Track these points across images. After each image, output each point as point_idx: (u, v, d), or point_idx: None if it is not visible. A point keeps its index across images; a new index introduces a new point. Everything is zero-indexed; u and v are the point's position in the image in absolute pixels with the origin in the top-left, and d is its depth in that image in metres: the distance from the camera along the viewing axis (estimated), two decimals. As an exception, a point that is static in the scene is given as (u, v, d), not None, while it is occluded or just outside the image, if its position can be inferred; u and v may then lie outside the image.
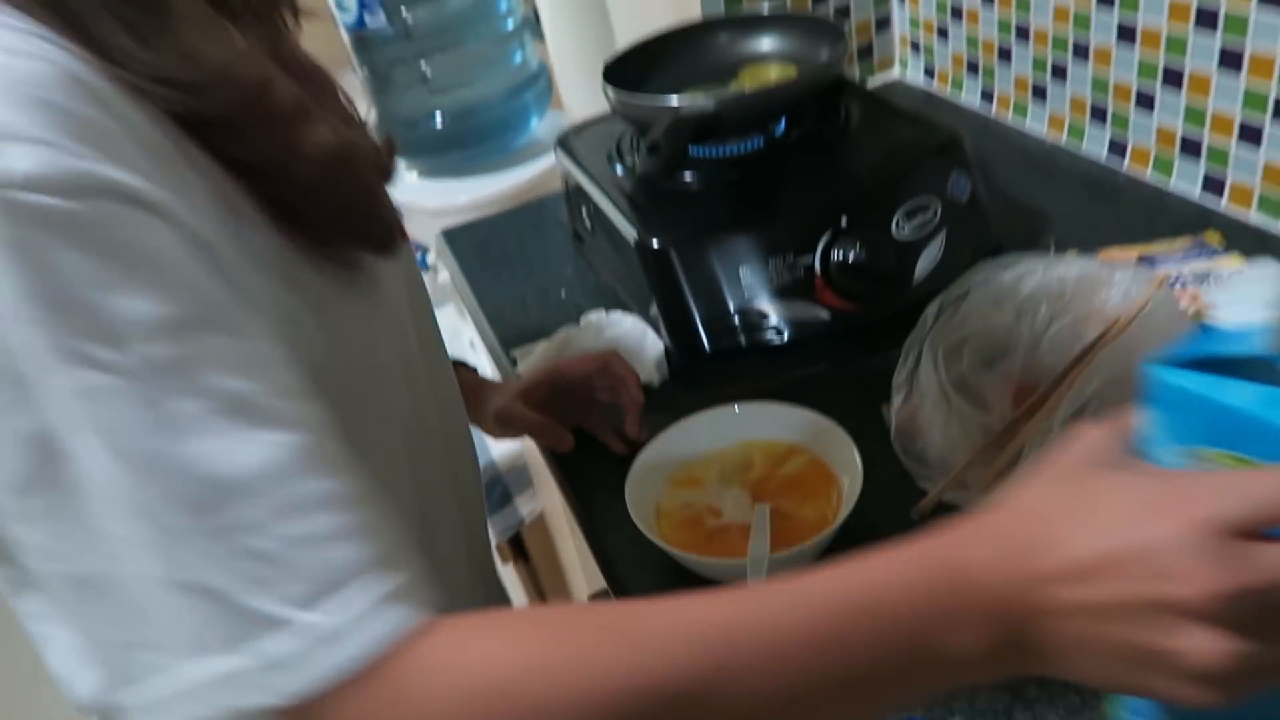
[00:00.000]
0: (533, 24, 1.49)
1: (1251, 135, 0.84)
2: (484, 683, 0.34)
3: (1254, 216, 0.86)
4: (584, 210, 0.99)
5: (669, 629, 0.36)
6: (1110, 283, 0.66)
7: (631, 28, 1.38)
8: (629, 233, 0.85)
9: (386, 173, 0.50)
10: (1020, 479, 0.38)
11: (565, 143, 1.04)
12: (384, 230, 0.48)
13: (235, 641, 0.33)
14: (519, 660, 0.34)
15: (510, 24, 1.48)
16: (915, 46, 1.26)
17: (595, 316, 0.88)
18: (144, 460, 0.33)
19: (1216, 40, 0.84)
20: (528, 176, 1.47)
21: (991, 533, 0.36)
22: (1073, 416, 0.60)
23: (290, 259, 0.42)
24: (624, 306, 0.91)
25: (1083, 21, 0.97)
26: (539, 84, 1.54)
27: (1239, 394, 0.35)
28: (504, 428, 0.77)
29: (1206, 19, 0.84)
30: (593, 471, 0.74)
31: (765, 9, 1.19)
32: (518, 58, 1.51)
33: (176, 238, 0.35)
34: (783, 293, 0.81)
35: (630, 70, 0.96)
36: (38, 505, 0.33)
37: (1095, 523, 0.34)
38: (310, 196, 0.43)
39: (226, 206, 0.39)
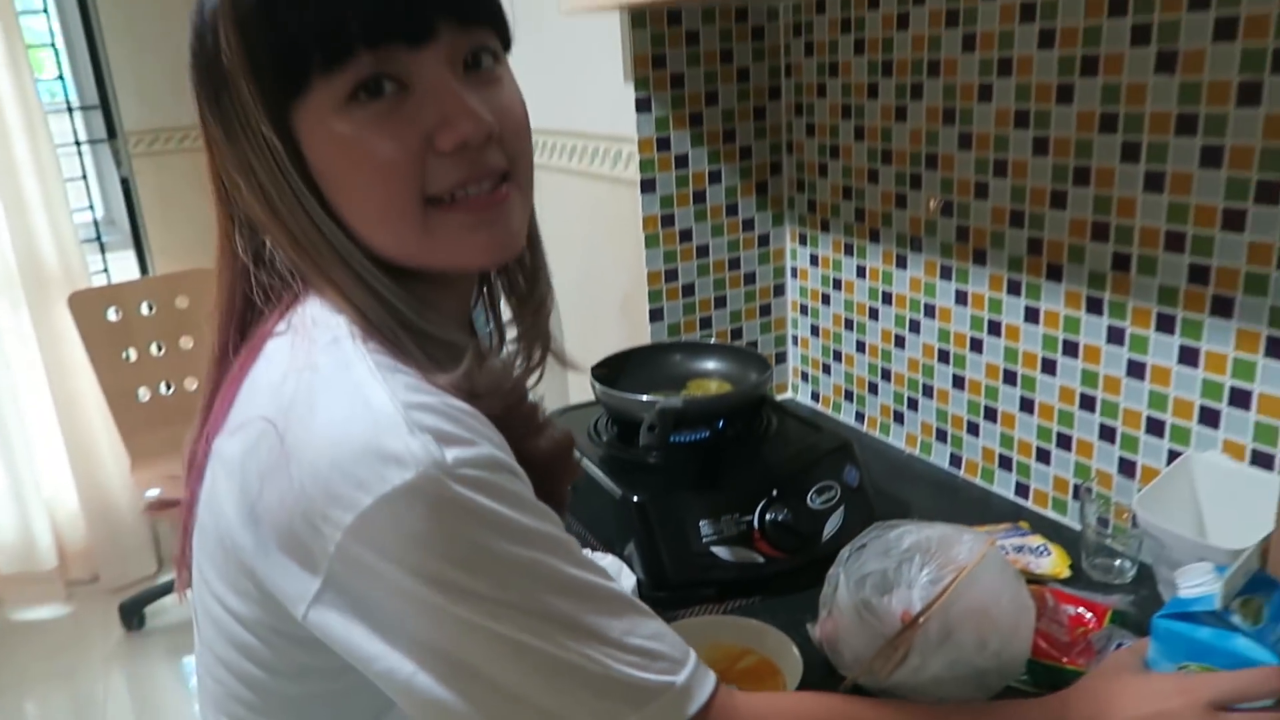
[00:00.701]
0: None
1: (1044, 456, 1.22)
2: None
3: (1049, 512, 1.22)
4: (564, 474, 1.26)
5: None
6: (960, 541, 0.96)
7: (587, 345, 1.74)
8: (613, 490, 1.13)
9: (573, 467, 0.79)
10: (1087, 675, 0.75)
11: (549, 421, 1.33)
12: (571, 479, 0.78)
13: (642, 704, 0.58)
14: (789, 710, 0.66)
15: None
16: (805, 376, 1.65)
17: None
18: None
19: (1016, 391, 1.24)
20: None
21: (1073, 702, 0.71)
22: (939, 629, 0.88)
23: None
24: (594, 549, 1.16)
25: (928, 370, 1.38)
26: (503, 375, 1.86)
27: (1204, 633, 0.69)
28: None
29: (1009, 377, 1.24)
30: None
31: (704, 338, 1.57)
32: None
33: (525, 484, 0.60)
34: (729, 541, 1.09)
35: (609, 373, 1.29)
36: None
37: (1132, 700, 0.68)
38: (548, 458, 0.72)
39: None
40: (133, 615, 2.65)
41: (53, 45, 2.79)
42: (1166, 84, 0.99)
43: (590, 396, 1.36)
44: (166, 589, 2.74)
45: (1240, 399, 0.99)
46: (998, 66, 1.17)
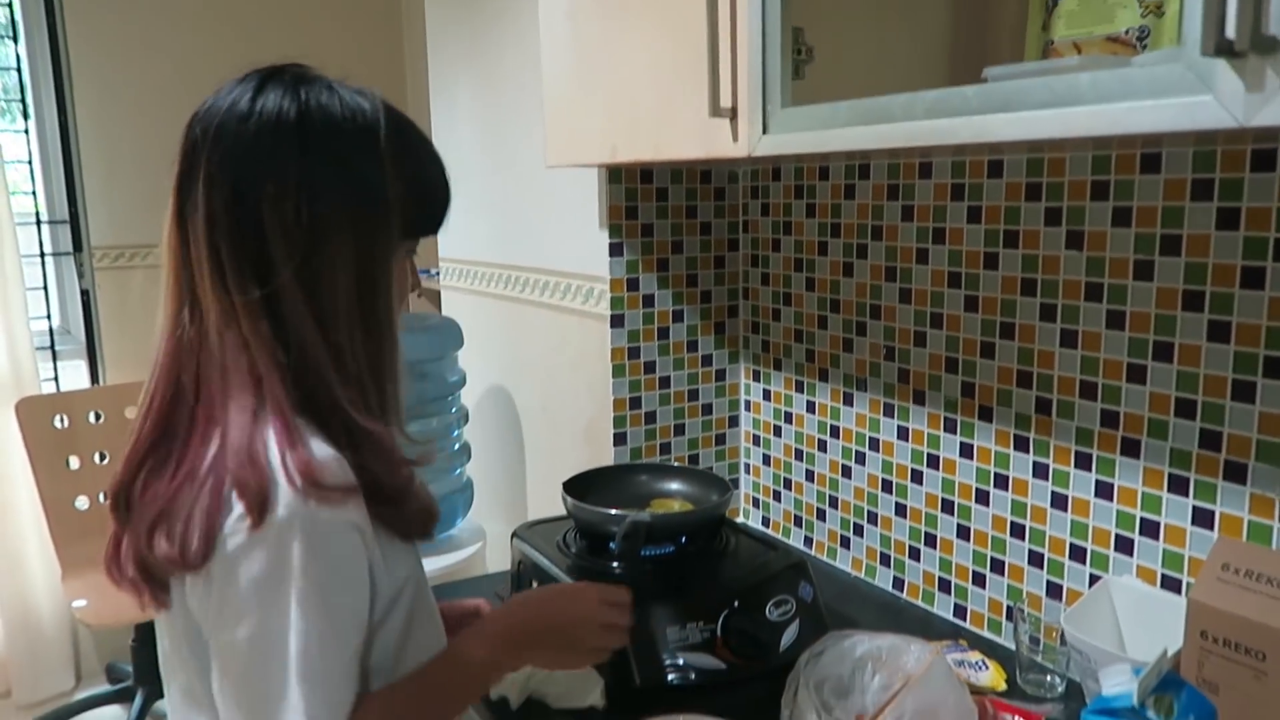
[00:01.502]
0: (468, 449, 1.91)
1: (979, 580, 1.33)
2: None
3: (985, 632, 1.32)
4: (534, 583, 1.33)
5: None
6: (909, 651, 1.06)
7: (550, 465, 1.83)
8: (585, 598, 1.20)
9: (434, 519, 0.92)
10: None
11: (520, 535, 1.40)
12: (428, 531, 0.91)
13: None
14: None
15: (456, 446, 1.90)
16: (755, 502, 1.76)
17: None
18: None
19: (954, 519, 1.36)
20: (446, 564, 1.79)
21: (493, 616, 0.99)
22: (893, 730, 0.96)
23: (393, 541, 0.86)
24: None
25: (873, 499, 1.50)
26: (466, 494, 1.92)
27: None
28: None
29: (947, 506, 1.37)
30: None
31: (672, 461, 1.68)
32: (457, 470, 1.91)
33: (361, 543, 0.77)
34: (693, 649, 1.16)
35: (579, 489, 1.37)
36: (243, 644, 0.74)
37: (536, 594, 1.03)
38: (407, 528, 0.87)
39: (373, 525, 0.81)
40: (46, 735, 2.53)
41: (28, 160, 2.88)
42: (1076, 258, 1.17)
43: (551, 513, 1.45)
44: (85, 705, 2.62)
45: (1149, 529, 1.12)
46: (933, 235, 1.35)
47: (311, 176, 0.78)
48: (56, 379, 2.89)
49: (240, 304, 0.78)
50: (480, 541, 2.08)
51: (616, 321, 1.64)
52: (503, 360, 2.12)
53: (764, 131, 1.06)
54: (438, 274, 2.39)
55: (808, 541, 1.64)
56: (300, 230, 0.78)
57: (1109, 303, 1.14)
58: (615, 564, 1.27)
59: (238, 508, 0.74)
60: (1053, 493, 1.22)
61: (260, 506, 0.73)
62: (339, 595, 0.77)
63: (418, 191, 0.85)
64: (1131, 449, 1.13)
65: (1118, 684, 0.82)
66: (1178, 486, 1.09)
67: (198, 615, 0.79)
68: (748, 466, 1.77)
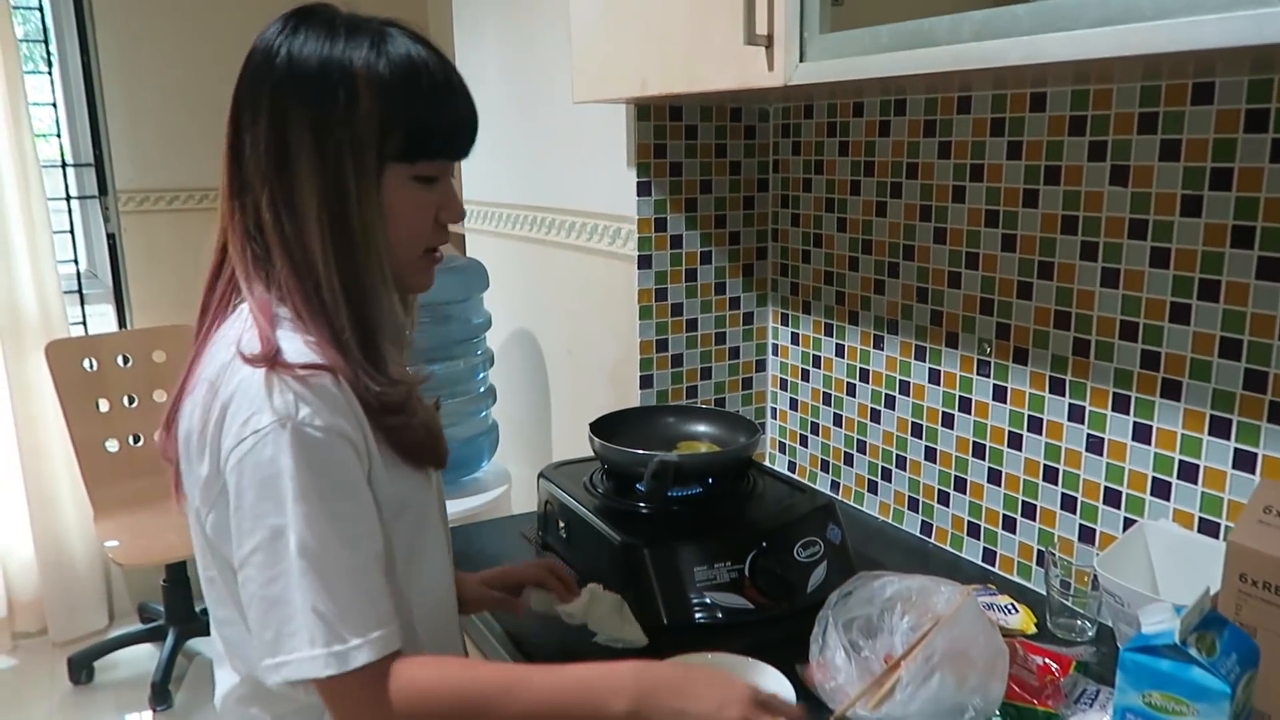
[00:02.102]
0: (493, 391, 1.90)
1: (1010, 525, 1.32)
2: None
3: (1015, 577, 1.31)
4: (560, 523, 1.33)
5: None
6: (939, 592, 1.05)
7: (575, 407, 1.82)
8: (612, 537, 1.19)
9: (440, 435, 0.94)
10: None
11: (547, 475, 1.40)
12: (440, 459, 0.93)
13: (329, 641, 0.74)
14: (447, 678, 0.80)
15: (481, 388, 1.90)
16: (782, 447, 1.74)
17: (593, 585, 1.17)
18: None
19: (985, 463, 1.34)
20: (472, 506, 1.80)
21: (642, 671, 0.83)
22: (920, 669, 0.95)
23: (399, 465, 0.87)
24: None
25: (902, 443, 1.48)
26: (492, 436, 1.92)
27: (1165, 664, 0.77)
28: (472, 603, 1.12)
29: (978, 450, 1.35)
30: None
31: (699, 404, 1.66)
32: (482, 413, 1.91)
33: (354, 456, 0.79)
34: (720, 588, 1.15)
35: (604, 429, 1.37)
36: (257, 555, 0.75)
37: (693, 679, 0.84)
38: (415, 442, 0.88)
39: (376, 442, 0.83)
40: (82, 669, 2.59)
41: (54, 104, 2.87)
42: (1120, 194, 1.13)
43: (576, 454, 1.44)
44: (118, 643, 2.68)
45: (1188, 472, 1.10)
46: (970, 172, 1.31)
47: (282, 97, 0.82)
48: (85, 322, 2.91)
49: (235, 221, 0.85)
50: (505, 484, 2.08)
51: (644, 263, 1.62)
52: (528, 303, 2.10)
53: (801, 59, 1.03)
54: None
55: (834, 486, 1.63)
56: (270, 147, 0.82)
57: (1153, 240, 1.10)
58: (642, 504, 1.26)
59: (229, 422, 0.77)
60: (1088, 436, 1.20)
61: (246, 419, 0.76)
62: (338, 502, 0.77)
63: (411, 113, 0.83)
64: (1172, 391, 1.10)
65: (1159, 622, 0.81)
66: (1219, 429, 1.06)
67: (218, 544, 0.82)
68: (774, 411, 1.75)
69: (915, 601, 1.06)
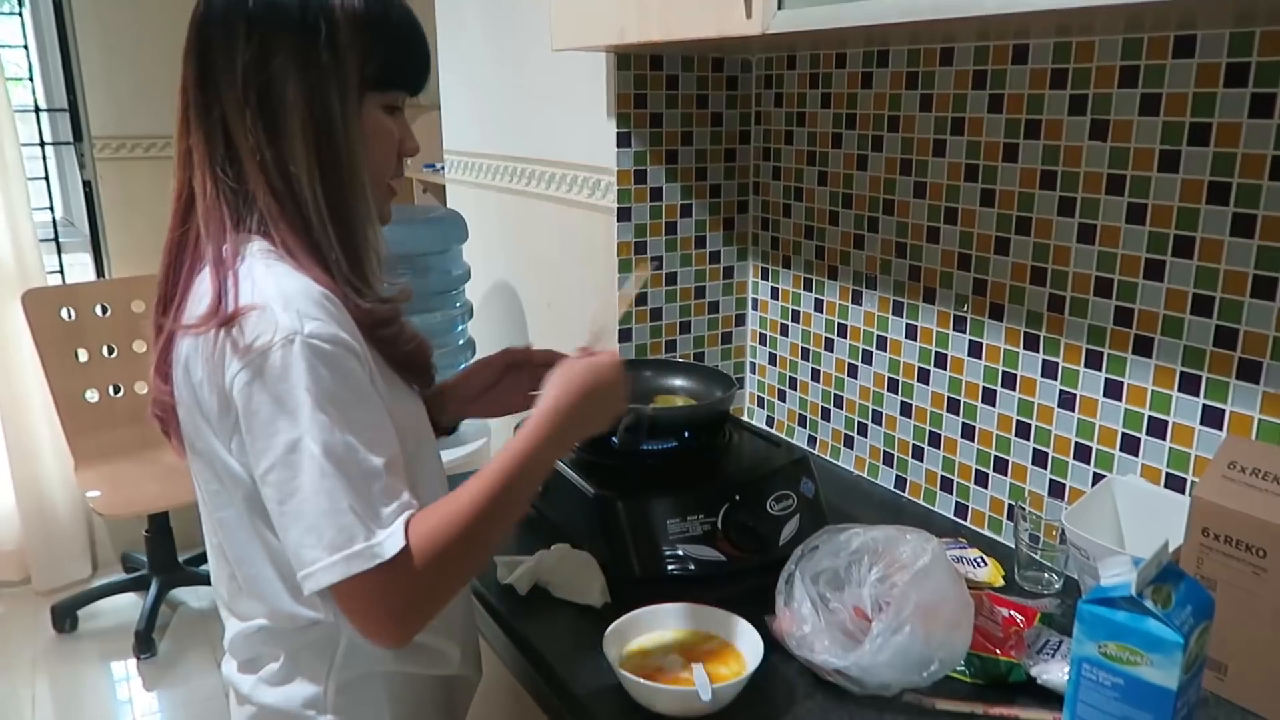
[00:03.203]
0: (472, 344, 1.89)
1: (982, 479, 1.33)
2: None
3: (985, 531, 1.32)
4: (536, 476, 1.33)
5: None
6: (904, 541, 1.06)
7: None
8: (586, 489, 1.20)
9: (429, 352, 0.97)
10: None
11: (523, 427, 1.40)
12: (429, 376, 0.98)
13: (368, 536, 0.76)
14: (449, 510, 0.83)
15: (460, 341, 1.89)
16: (760, 402, 1.75)
17: (558, 547, 1.19)
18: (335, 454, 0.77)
19: (959, 418, 1.35)
20: (451, 459, 1.80)
21: (549, 397, 0.91)
22: (891, 621, 0.97)
23: (396, 384, 0.91)
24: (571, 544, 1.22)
25: (878, 399, 1.48)
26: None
27: (1121, 615, 0.77)
28: (461, 403, 1.15)
29: (952, 406, 1.35)
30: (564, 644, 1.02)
31: (677, 359, 1.66)
32: (462, 365, 1.90)
33: (361, 367, 0.80)
34: (693, 540, 1.16)
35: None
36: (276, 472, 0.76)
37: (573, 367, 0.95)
38: (406, 357, 0.91)
39: (372, 356, 0.85)
40: (65, 618, 2.60)
41: (25, 47, 2.80)
42: (1099, 149, 1.12)
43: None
44: (101, 593, 2.69)
45: (1157, 428, 1.11)
46: (951, 125, 1.30)
47: (262, 27, 0.82)
48: (62, 271, 2.88)
49: (200, 156, 0.85)
50: (485, 437, 2.09)
51: (623, 215, 1.60)
52: (507, 255, 2.09)
53: (779, 6, 1.01)
54: (442, 168, 2.34)
55: (811, 441, 1.63)
56: (251, 77, 0.82)
57: (1130, 196, 1.09)
58: (618, 458, 1.26)
59: (233, 349, 0.78)
60: (1061, 392, 1.21)
61: (250, 341, 0.77)
62: (353, 409, 0.79)
63: (384, 43, 0.87)
64: (1144, 347, 1.11)
65: (1116, 575, 0.82)
66: (1189, 385, 1.07)
67: (240, 466, 0.83)
68: (753, 366, 1.76)
69: (882, 553, 1.07)
